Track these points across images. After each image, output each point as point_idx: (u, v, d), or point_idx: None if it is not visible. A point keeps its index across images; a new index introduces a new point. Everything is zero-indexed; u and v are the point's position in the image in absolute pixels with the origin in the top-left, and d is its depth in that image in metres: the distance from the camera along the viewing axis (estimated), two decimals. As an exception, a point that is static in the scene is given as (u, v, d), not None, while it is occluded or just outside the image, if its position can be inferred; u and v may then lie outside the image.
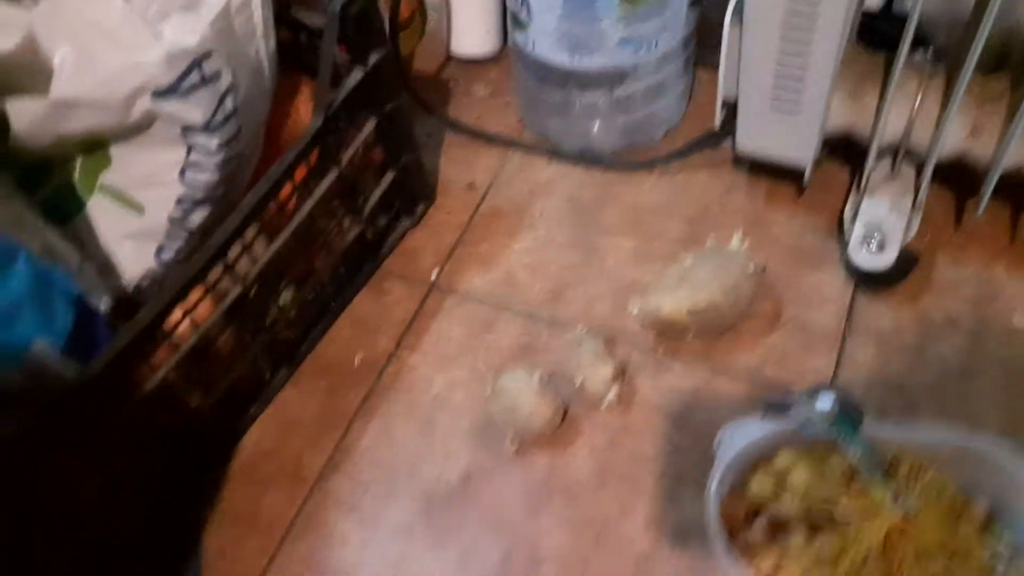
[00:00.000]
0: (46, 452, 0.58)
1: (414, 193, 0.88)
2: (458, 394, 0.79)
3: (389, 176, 0.83)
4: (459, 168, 0.96)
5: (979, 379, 0.74)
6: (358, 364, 0.82)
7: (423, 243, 0.90)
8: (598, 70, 0.85)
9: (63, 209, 0.68)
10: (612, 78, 0.86)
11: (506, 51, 1.05)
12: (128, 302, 0.71)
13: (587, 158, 0.93)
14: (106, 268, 0.69)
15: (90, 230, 0.69)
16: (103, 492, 0.64)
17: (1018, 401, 0.72)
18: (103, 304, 0.65)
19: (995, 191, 0.76)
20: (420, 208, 0.90)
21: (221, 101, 0.63)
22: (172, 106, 0.61)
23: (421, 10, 1.04)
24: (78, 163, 0.68)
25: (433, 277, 0.87)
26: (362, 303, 0.86)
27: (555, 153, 0.95)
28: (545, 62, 0.86)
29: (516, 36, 0.88)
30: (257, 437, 0.78)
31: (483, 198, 0.93)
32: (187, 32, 0.59)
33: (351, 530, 0.72)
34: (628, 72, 0.85)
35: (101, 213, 0.68)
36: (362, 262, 0.85)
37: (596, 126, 0.91)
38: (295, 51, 0.77)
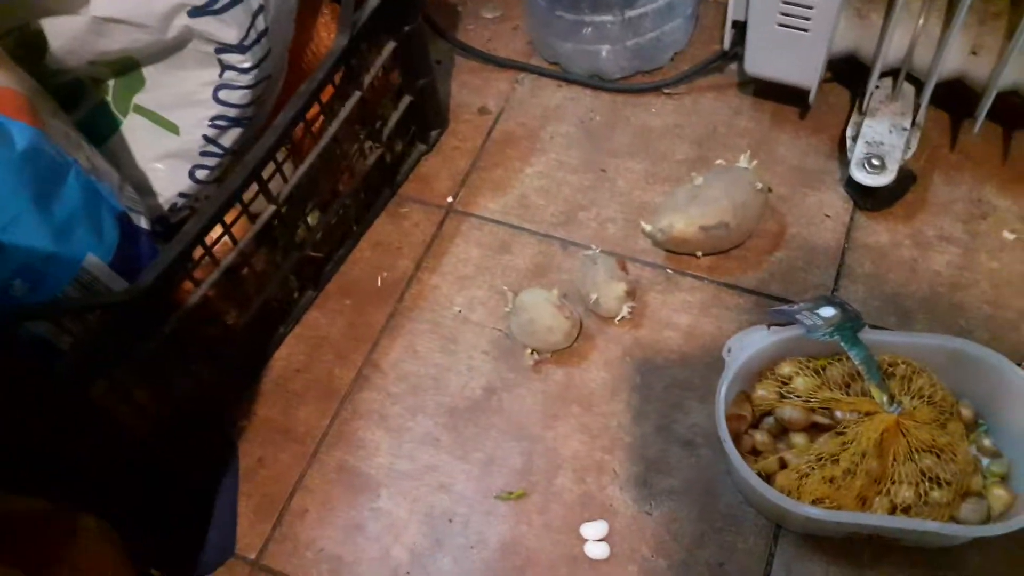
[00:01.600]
0: (100, 365, 0.61)
1: (428, 118, 0.90)
2: (478, 312, 0.82)
3: (406, 100, 0.84)
4: (470, 93, 0.98)
5: (970, 291, 0.78)
6: (381, 284, 0.85)
7: (438, 168, 0.92)
8: (611, -9, 0.86)
9: (98, 130, 0.69)
10: None
11: (513, -26, 1.06)
12: (163, 221, 0.73)
13: (597, 82, 0.95)
14: (141, 187, 0.71)
15: (126, 150, 0.70)
16: (149, 403, 0.67)
17: (1006, 312, 0.77)
18: (143, 222, 0.67)
19: (989, 113, 0.79)
20: (434, 134, 0.92)
21: (253, 20, 0.64)
22: (207, 24, 0.62)
23: (427, -68, 1.04)
24: (112, 84, 0.69)
25: (449, 200, 0.90)
26: (382, 227, 0.89)
27: (565, 77, 0.97)
28: (558, -16, 0.87)
29: (528, -42, 0.89)
30: (287, 354, 0.82)
31: (495, 123, 0.95)
32: (222, -51, 0.60)
33: (381, 439, 0.76)
34: (640, -7, 0.87)
35: (136, 133, 0.70)
36: (381, 187, 0.88)
37: (606, 50, 0.93)
38: (313, -26, 0.78)
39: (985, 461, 0.68)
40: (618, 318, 0.79)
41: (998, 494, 0.66)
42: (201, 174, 0.72)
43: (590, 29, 0.91)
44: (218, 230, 0.66)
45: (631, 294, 0.79)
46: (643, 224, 0.82)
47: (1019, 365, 0.68)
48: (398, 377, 0.79)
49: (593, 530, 0.70)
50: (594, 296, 0.78)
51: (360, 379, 0.80)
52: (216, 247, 0.67)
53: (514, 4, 1.04)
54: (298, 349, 0.82)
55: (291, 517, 0.73)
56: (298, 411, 0.78)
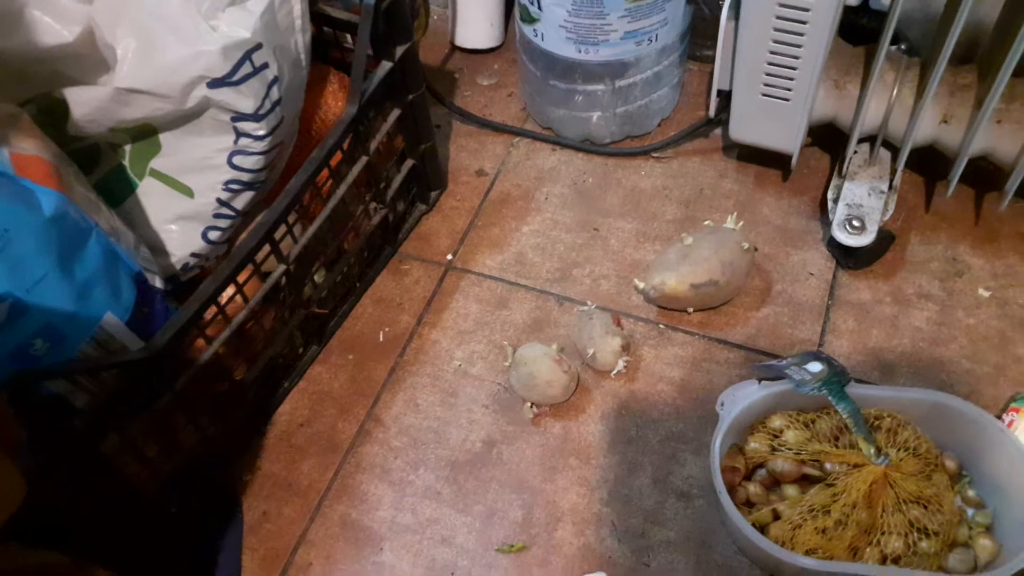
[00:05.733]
0: (114, 421, 0.63)
1: (429, 180, 0.93)
2: (477, 366, 0.85)
3: (408, 163, 0.88)
4: (468, 156, 1.01)
5: (949, 346, 0.82)
6: (383, 340, 0.87)
7: (438, 227, 0.95)
8: (602, 62, 0.91)
9: (114, 192, 0.72)
10: (614, 70, 0.92)
11: (508, 43, 1.11)
12: (174, 279, 0.76)
13: (588, 146, 1.00)
14: (155, 248, 0.73)
15: (140, 212, 0.73)
16: (158, 457, 0.69)
17: (984, 366, 0.80)
18: (157, 281, 0.69)
19: (962, 176, 0.83)
20: (434, 195, 0.95)
21: (268, 90, 0.67)
22: (226, 95, 0.65)
23: (424, 5, 1.09)
24: (128, 149, 0.72)
25: (448, 258, 0.93)
26: (384, 283, 0.91)
27: (558, 141, 1.01)
28: (552, 54, 0.92)
29: (524, 29, 0.93)
30: (291, 409, 0.83)
31: (492, 184, 0.99)
32: (239, 25, 0.64)
33: (383, 493, 0.78)
34: (630, 64, 0.91)
35: (151, 196, 0.73)
36: (383, 245, 0.91)
37: (596, 116, 0.97)
38: (320, 44, 0.81)
39: (970, 512, 0.71)
40: (614, 372, 0.82)
41: (984, 544, 0.68)
42: (213, 235, 0.75)
43: (581, 97, 0.96)
44: (231, 289, 0.69)
45: (626, 348, 0.82)
46: (636, 281, 0.85)
47: (998, 418, 0.71)
48: (400, 431, 0.81)
49: (593, 582, 0.71)
50: (591, 351, 0.81)
51: (362, 433, 0.81)
52: (228, 305, 0.69)
53: (509, 72, 1.09)
54: (302, 404, 0.84)
55: (295, 571, 0.74)
56: (301, 465, 0.80)
